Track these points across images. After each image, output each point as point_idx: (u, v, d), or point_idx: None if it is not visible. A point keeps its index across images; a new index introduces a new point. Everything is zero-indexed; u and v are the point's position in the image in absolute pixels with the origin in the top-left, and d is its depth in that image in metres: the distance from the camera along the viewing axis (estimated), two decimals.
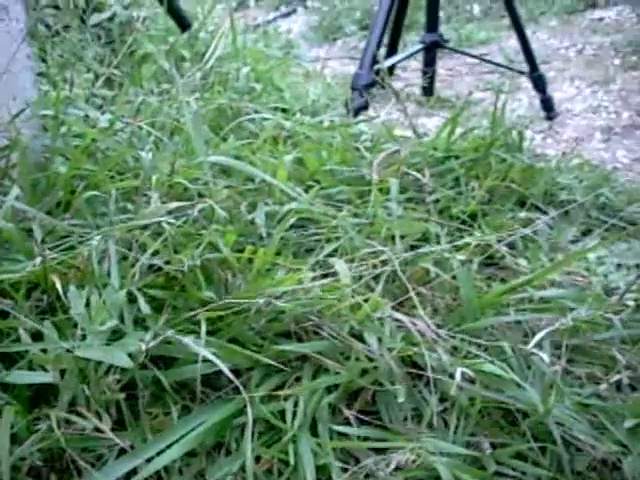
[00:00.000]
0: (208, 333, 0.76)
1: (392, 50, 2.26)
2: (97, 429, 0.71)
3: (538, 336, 0.75)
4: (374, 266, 0.94)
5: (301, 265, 0.93)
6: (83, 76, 1.38)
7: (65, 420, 0.72)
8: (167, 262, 0.84)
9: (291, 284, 0.81)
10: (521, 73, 2.23)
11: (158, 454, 0.72)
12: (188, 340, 0.68)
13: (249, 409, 0.65)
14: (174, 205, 0.85)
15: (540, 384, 0.78)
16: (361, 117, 1.64)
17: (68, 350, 0.72)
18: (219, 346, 0.74)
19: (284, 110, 1.49)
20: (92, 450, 0.74)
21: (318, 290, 0.85)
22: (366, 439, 0.78)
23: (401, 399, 0.78)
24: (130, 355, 0.72)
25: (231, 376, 0.66)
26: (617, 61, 2.68)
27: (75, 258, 0.78)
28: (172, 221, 0.83)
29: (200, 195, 1.02)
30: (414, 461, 0.72)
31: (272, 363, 0.76)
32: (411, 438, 0.75)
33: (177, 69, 1.69)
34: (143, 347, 0.70)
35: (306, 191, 1.12)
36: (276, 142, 1.24)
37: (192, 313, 0.75)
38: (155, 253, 0.86)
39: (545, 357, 0.72)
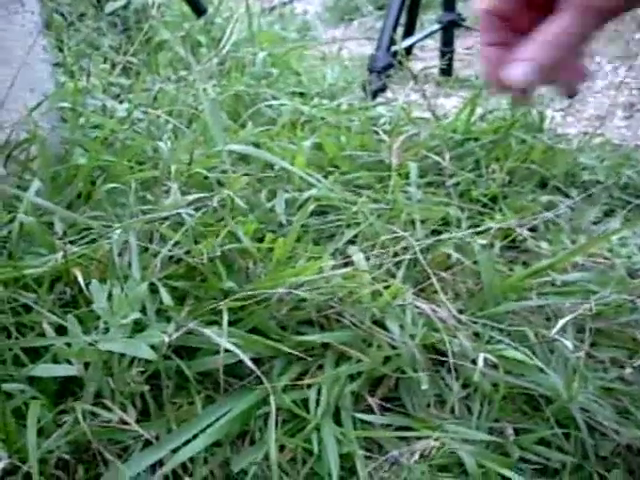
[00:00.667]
0: (230, 323, 0.76)
1: (409, 30, 2.24)
2: (122, 421, 0.71)
3: (561, 322, 0.74)
4: (395, 253, 0.94)
5: (321, 253, 0.93)
6: (100, 66, 1.38)
7: (91, 412, 0.72)
8: (187, 252, 0.85)
9: (312, 273, 0.81)
10: None
11: (184, 444, 0.73)
12: (210, 331, 0.68)
13: (272, 399, 0.66)
14: (193, 197, 0.85)
15: (563, 369, 0.77)
16: (379, 100, 1.63)
17: (91, 343, 0.72)
18: (241, 336, 0.75)
19: (301, 94, 1.48)
20: (118, 442, 0.74)
21: (339, 278, 0.85)
22: (389, 427, 0.79)
23: (424, 386, 0.78)
24: (153, 347, 0.73)
25: (252, 366, 0.66)
26: (638, 36, 2.64)
27: (96, 252, 0.79)
28: (192, 212, 0.83)
29: (219, 184, 1.02)
30: (438, 449, 0.73)
31: (294, 352, 0.76)
32: (434, 425, 0.75)
33: (193, 55, 1.69)
34: (166, 339, 0.70)
35: (325, 177, 1.11)
36: (294, 128, 1.24)
37: (213, 304, 0.75)
38: (175, 244, 0.86)
39: (568, 344, 0.71)
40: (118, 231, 0.78)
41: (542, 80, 0.53)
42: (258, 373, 0.65)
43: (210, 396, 0.79)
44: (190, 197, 0.86)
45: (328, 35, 2.78)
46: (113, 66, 1.61)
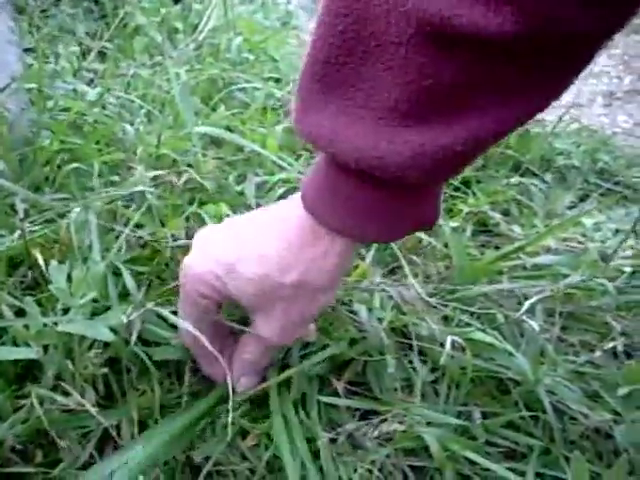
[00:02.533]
0: None
1: None
2: (81, 405, 0.70)
3: (528, 303, 0.73)
4: None
5: None
6: (70, 49, 1.35)
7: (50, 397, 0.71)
8: (152, 234, 0.83)
9: None
10: None
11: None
12: (168, 312, 0.67)
13: (229, 387, 0.64)
14: (156, 173, 0.83)
15: (532, 352, 0.76)
16: None
17: (49, 325, 0.71)
18: None
19: (277, 80, 1.46)
20: (80, 426, 0.73)
21: None
22: (356, 411, 0.77)
23: (391, 370, 0.76)
24: (114, 330, 0.71)
25: (211, 348, 0.64)
26: None
27: (57, 232, 0.77)
28: (151, 190, 0.81)
29: (189, 166, 1.00)
30: (404, 431, 0.71)
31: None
32: (400, 409, 0.74)
33: (170, 41, 1.66)
34: (124, 319, 0.69)
35: (297, 160, 1.10)
36: (267, 112, 1.22)
37: (174, 284, 0.74)
38: (140, 226, 0.84)
39: (535, 325, 0.70)
40: (77, 209, 0.76)
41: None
42: (216, 355, 0.63)
43: (174, 382, 0.78)
44: (154, 173, 0.84)
45: (311, 25, 2.76)
46: (88, 51, 1.59)
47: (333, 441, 0.73)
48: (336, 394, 0.78)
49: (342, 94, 0.49)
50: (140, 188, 0.79)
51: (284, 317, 0.62)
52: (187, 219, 0.88)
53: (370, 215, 0.54)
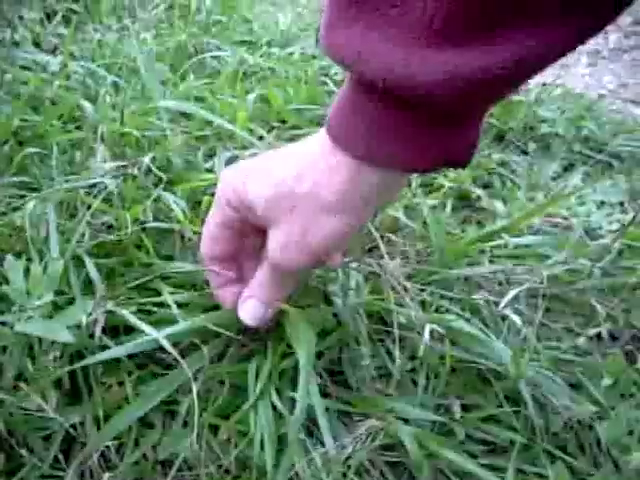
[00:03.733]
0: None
1: None
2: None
3: (510, 294, 0.69)
4: None
5: None
6: (27, 15, 1.29)
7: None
8: (117, 221, 0.79)
9: None
10: None
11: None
12: (129, 313, 0.63)
13: (193, 387, 0.61)
14: (115, 164, 0.78)
15: (514, 341, 0.73)
16: None
17: (6, 324, 0.67)
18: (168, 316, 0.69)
19: (250, 43, 1.40)
20: (42, 428, 0.70)
21: None
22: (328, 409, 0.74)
23: (365, 362, 0.74)
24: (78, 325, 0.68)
25: (172, 350, 0.61)
26: None
27: (11, 225, 0.73)
28: (113, 182, 0.76)
29: (156, 142, 0.96)
30: (381, 429, 0.69)
31: (224, 332, 0.71)
32: (377, 404, 0.71)
33: (139, 1, 1.59)
34: (84, 320, 0.65)
35: (270, 132, 1.05)
36: (239, 79, 1.17)
37: (138, 282, 0.70)
38: (103, 212, 0.80)
39: (517, 319, 0.67)
40: (33, 202, 0.71)
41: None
42: (177, 356, 0.60)
43: (141, 377, 0.75)
44: (114, 163, 0.79)
45: None
46: (54, 13, 1.52)
47: (310, 434, 0.70)
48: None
49: (374, 8, 0.45)
50: (99, 180, 0.74)
51: (287, 232, 0.58)
52: (155, 200, 0.84)
53: (395, 139, 0.51)
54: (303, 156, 0.57)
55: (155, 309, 0.70)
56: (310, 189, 0.55)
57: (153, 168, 0.79)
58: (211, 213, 0.64)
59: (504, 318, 0.78)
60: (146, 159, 0.84)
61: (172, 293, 0.74)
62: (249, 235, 0.65)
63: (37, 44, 1.25)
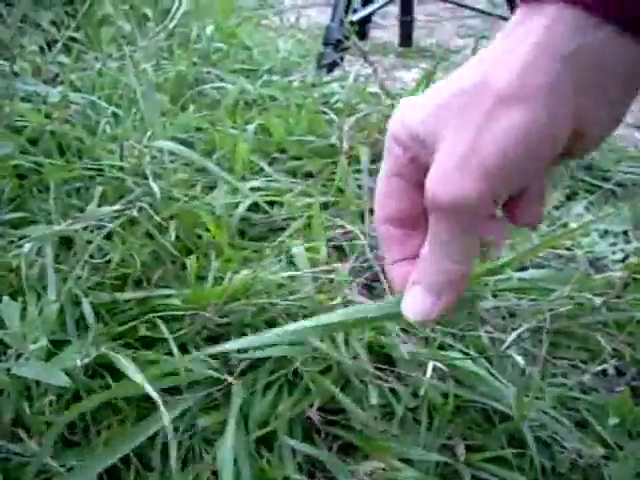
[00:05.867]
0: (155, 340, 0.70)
1: None
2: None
3: (514, 334, 0.68)
4: (340, 247, 0.88)
5: (261, 249, 0.87)
6: (29, 48, 1.29)
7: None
8: (108, 262, 0.78)
9: (245, 281, 0.74)
10: (503, 19, 2.07)
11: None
12: (121, 357, 0.62)
13: (170, 436, 0.60)
14: (112, 208, 0.77)
15: (518, 378, 0.72)
16: (336, 74, 1.55)
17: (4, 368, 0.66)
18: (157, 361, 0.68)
19: (251, 71, 1.40)
20: (39, 472, 0.68)
21: (280, 277, 0.80)
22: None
23: (373, 401, 0.72)
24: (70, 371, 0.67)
25: (157, 398, 0.60)
26: None
27: (7, 265, 0.72)
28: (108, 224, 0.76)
29: (155, 175, 0.95)
30: (383, 469, 0.67)
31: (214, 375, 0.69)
32: (380, 444, 0.70)
33: (139, 30, 1.59)
34: (79, 363, 0.64)
35: (271, 164, 1.05)
36: (239, 109, 1.16)
37: (127, 326, 0.69)
38: (103, 252, 0.80)
39: (520, 360, 0.66)
40: (29, 244, 0.71)
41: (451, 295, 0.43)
42: (163, 410, 0.58)
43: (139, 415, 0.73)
44: (112, 208, 0.78)
45: (288, 2, 2.68)
46: (55, 42, 1.52)
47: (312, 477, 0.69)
48: (312, 424, 0.74)
49: None
50: (96, 222, 0.74)
51: (449, 148, 0.40)
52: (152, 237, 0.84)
53: None
54: (467, 68, 0.41)
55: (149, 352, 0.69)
56: (479, 78, 0.39)
57: (151, 212, 0.78)
58: (382, 167, 0.47)
59: (509, 355, 0.77)
60: (144, 204, 0.83)
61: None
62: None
63: (38, 73, 1.25)
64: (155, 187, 0.83)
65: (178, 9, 1.63)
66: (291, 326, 0.56)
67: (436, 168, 0.40)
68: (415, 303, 0.43)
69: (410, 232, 0.46)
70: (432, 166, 0.40)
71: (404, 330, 0.80)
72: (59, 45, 1.47)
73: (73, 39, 1.53)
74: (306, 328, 0.52)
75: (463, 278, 0.42)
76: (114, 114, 1.13)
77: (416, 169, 0.43)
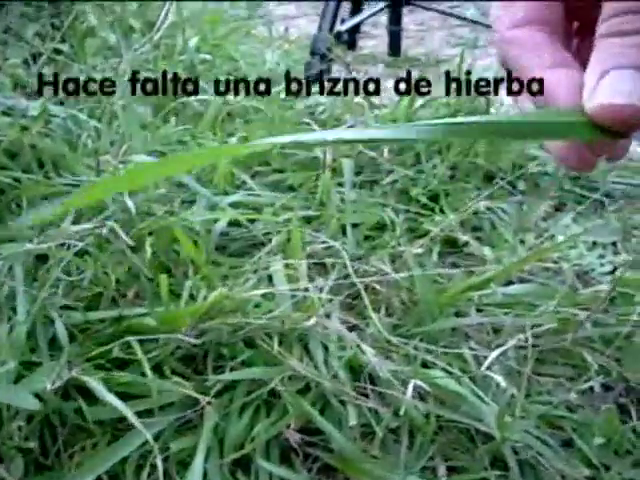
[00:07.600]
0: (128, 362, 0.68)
1: (356, 8, 2.11)
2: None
3: (495, 353, 0.66)
4: (322, 264, 0.86)
5: (241, 265, 0.86)
6: (9, 62, 1.27)
7: None
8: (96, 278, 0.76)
9: (219, 299, 0.72)
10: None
11: None
12: (93, 380, 0.60)
13: (158, 460, 0.58)
14: (85, 226, 0.75)
15: (501, 397, 0.70)
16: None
17: None
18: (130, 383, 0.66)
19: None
20: None
21: (258, 297, 0.78)
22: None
23: (352, 422, 0.70)
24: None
25: (137, 422, 0.58)
26: None
27: None
28: (81, 244, 0.74)
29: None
30: None
31: (192, 395, 0.67)
32: (360, 468, 0.68)
33: (125, 41, 1.58)
34: (48, 387, 0.62)
35: (253, 177, 1.03)
36: (222, 121, 1.15)
37: (102, 349, 0.67)
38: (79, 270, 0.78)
39: (501, 380, 0.64)
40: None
41: None
42: (145, 433, 0.56)
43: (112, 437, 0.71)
44: (83, 226, 0.76)
45: (279, 12, 2.66)
46: (39, 55, 1.50)
47: None
48: (289, 446, 0.72)
49: None
50: (68, 241, 0.72)
51: None
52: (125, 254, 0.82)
53: None
54: None
55: (123, 374, 0.67)
56: None
57: (122, 235, 0.76)
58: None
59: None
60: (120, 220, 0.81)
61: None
62: None
63: (23, 86, 1.24)
64: (130, 203, 0.81)
65: (164, 21, 1.61)
66: None
67: None
68: (624, 83, 0.33)
69: (551, 36, 0.38)
70: None
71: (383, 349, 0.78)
72: (43, 57, 1.46)
73: (58, 51, 1.52)
74: None
75: None
76: (95, 128, 1.12)
77: None
